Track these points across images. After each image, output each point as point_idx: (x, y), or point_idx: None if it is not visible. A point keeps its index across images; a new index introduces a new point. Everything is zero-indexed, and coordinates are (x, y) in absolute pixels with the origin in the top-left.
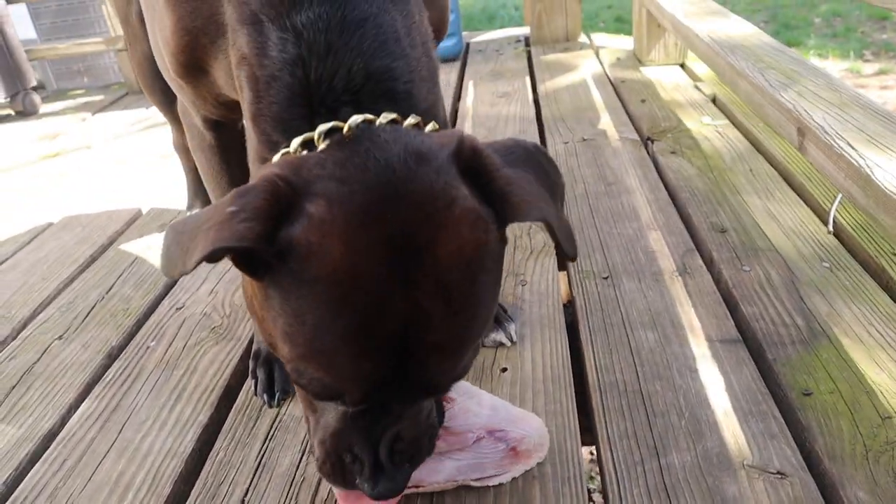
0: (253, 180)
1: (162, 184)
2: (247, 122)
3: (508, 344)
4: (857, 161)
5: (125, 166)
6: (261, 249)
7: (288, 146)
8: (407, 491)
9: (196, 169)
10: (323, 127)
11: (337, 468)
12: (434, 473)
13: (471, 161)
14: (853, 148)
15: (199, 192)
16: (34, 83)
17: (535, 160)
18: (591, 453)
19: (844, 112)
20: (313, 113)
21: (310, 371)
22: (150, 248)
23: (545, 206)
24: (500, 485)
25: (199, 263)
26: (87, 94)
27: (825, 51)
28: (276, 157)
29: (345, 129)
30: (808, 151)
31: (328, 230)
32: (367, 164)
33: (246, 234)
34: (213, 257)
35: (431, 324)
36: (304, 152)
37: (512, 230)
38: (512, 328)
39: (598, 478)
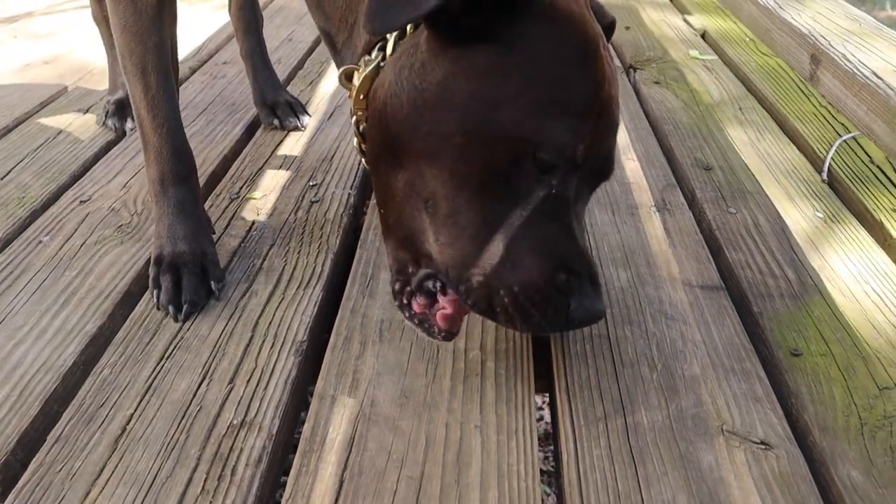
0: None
1: (95, 62)
2: None
3: (302, 129)
4: (884, 91)
5: (53, 42)
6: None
7: None
8: None
9: None
10: None
11: (545, 300)
12: None
13: None
14: (879, 78)
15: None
16: None
17: None
18: (544, 404)
19: (866, 42)
20: None
21: (548, 124)
22: (62, 132)
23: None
24: (434, 432)
25: None
26: None
27: None
28: None
29: None
30: (821, 83)
31: None
32: None
33: None
34: None
35: (614, 88)
36: None
37: None
38: (305, 118)
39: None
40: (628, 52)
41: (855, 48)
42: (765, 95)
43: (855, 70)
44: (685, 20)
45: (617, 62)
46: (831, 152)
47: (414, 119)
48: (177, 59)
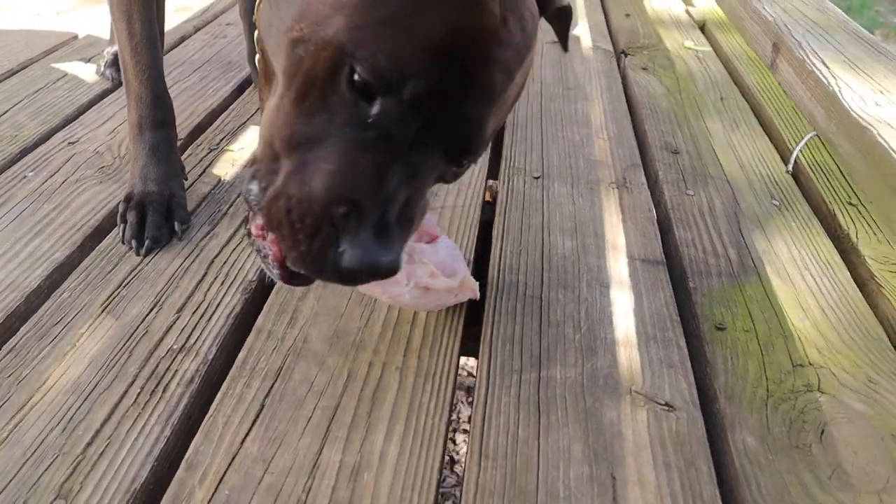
0: None
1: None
2: None
3: None
4: (825, 79)
5: None
6: None
7: None
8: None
9: None
10: None
11: (315, 227)
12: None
13: None
14: (826, 66)
15: None
16: None
17: None
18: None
19: (828, 34)
20: None
21: (374, 42)
22: (63, 78)
23: None
24: (356, 370)
25: None
26: None
27: None
28: None
29: None
30: (779, 70)
31: None
32: None
33: None
34: None
35: (493, 48)
36: None
37: None
38: None
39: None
40: (624, 38)
41: (813, 38)
42: (748, 86)
43: (805, 57)
44: (687, 11)
45: (608, 48)
46: (800, 145)
47: (268, 14)
48: (163, 10)
